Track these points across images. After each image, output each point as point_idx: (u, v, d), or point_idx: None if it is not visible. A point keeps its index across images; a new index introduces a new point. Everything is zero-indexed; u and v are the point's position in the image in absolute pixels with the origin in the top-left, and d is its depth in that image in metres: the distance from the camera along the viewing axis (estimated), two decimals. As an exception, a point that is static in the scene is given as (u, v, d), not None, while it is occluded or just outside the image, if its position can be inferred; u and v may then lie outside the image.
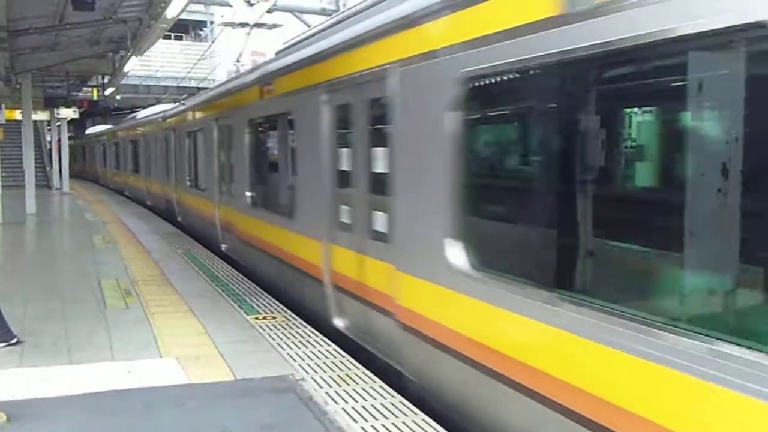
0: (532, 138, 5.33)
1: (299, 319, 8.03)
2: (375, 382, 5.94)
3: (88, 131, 46.58)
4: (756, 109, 3.17)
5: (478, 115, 5.55)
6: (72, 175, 43.56)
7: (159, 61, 38.28)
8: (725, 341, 3.11)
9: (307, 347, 6.92)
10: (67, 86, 27.46)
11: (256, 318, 8.08)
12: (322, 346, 6.99)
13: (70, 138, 48.72)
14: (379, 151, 6.49)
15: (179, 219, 18.21)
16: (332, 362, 6.46)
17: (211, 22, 42.55)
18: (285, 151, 9.94)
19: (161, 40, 19.99)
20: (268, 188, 10.93)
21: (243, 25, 20.18)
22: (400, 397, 5.57)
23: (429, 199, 5.48)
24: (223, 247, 13.21)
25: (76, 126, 44.75)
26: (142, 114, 28.79)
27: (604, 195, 4.38)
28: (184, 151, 17.17)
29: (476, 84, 4.96)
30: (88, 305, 8.77)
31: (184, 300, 9.02)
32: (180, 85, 36.77)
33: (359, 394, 5.64)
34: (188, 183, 16.71)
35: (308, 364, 6.37)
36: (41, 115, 28.48)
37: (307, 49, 8.59)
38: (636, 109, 4.57)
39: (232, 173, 12.36)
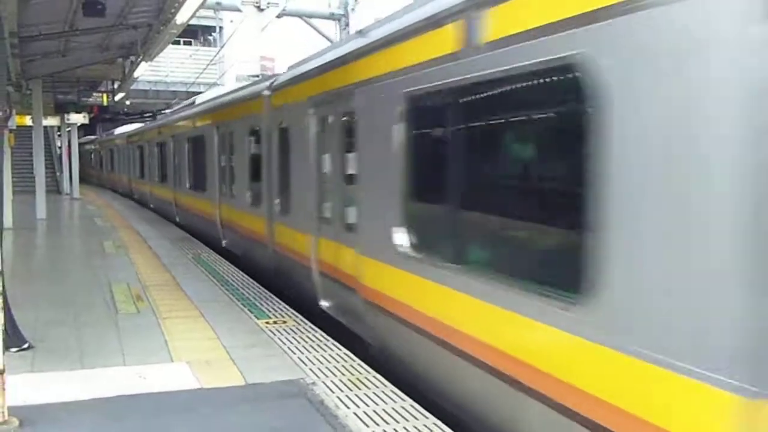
0: None
1: (309, 324, 8.03)
2: (386, 386, 5.93)
3: (118, 131, 36.64)
4: None
5: None
6: (100, 186, 41.00)
7: (168, 66, 38.41)
8: None
9: (317, 351, 6.92)
10: (77, 92, 27.59)
11: (267, 322, 8.08)
12: (333, 350, 6.99)
13: (91, 141, 47.99)
14: None
15: (324, 304, 8.69)
16: (343, 366, 6.45)
17: (221, 28, 42.70)
18: None
19: (171, 46, 20.04)
20: None
21: None
22: (410, 401, 5.56)
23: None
24: None
25: (89, 128, 43.69)
26: (210, 94, 19.04)
27: None
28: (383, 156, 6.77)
29: None
30: (99, 310, 8.79)
31: (194, 305, 9.03)
32: (189, 90, 36.90)
33: (370, 398, 5.63)
34: (400, 251, 6.37)
35: (319, 369, 6.36)
36: (51, 121, 28.62)
37: None
38: None
39: None
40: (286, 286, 10.22)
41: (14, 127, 22.63)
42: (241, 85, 16.54)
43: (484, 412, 5.03)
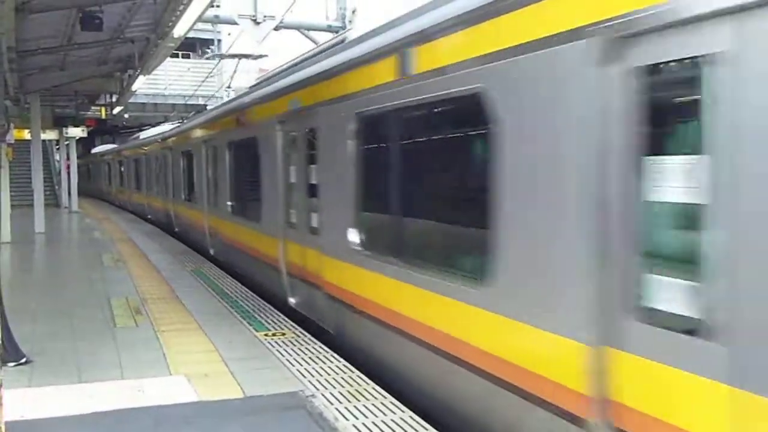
0: None
1: (309, 335, 8.01)
2: (386, 397, 5.91)
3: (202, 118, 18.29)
4: None
5: None
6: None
7: (167, 80, 38.47)
8: None
9: (317, 363, 6.90)
10: (75, 105, 27.63)
11: (266, 334, 8.06)
12: (332, 362, 6.96)
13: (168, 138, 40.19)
14: None
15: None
16: (342, 378, 6.43)
17: (219, 40, 42.81)
18: None
19: (169, 59, 20.10)
20: None
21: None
22: (410, 412, 5.54)
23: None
24: None
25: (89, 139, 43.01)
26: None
27: None
28: None
29: None
30: (97, 324, 8.76)
31: (193, 317, 9.01)
32: (188, 102, 36.96)
33: (369, 410, 5.61)
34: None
35: (318, 381, 6.34)
36: (50, 135, 28.65)
37: None
38: None
39: None
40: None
41: (12, 141, 22.68)
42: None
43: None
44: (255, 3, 18.41)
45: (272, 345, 7.59)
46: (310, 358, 7.10)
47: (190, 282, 11.84)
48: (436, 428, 5.25)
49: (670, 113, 3.80)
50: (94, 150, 48.05)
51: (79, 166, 48.73)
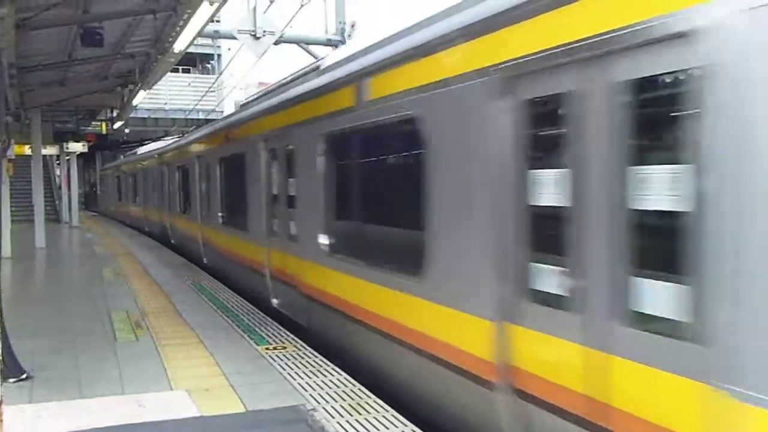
0: None
1: (310, 349, 8.00)
2: (387, 411, 5.89)
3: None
4: None
5: None
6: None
7: (167, 94, 38.61)
8: None
9: (318, 377, 6.88)
10: (76, 120, 27.69)
11: (267, 348, 8.05)
12: (333, 375, 6.95)
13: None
14: None
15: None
16: (344, 391, 6.41)
17: (219, 55, 43.00)
18: None
19: (169, 73, 20.18)
20: None
21: None
22: (412, 426, 5.52)
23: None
24: None
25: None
26: None
27: None
28: None
29: None
30: (98, 338, 8.75)
31: (194, 331, 9.00)
32: (188, 117, 37.09)
33: (371, 423, 5.59)
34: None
35: (320, 394, 6.33)
36: (50, 150, 28.70)
37: None
38: None
39: None
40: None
41: (13, 157, 22.73)
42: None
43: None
44: (254, 18, 18.49)
45: (273, 359, 7.57)
46: (311, 371, 7.08)
47: (190, 296, 11.82)
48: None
49: None
50: (142, 150, 31.85)
51: (110, 178, 48.12)
